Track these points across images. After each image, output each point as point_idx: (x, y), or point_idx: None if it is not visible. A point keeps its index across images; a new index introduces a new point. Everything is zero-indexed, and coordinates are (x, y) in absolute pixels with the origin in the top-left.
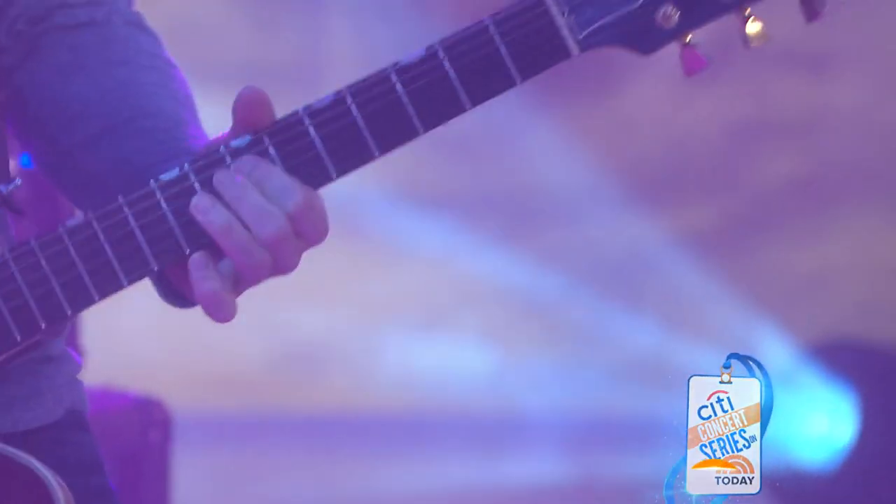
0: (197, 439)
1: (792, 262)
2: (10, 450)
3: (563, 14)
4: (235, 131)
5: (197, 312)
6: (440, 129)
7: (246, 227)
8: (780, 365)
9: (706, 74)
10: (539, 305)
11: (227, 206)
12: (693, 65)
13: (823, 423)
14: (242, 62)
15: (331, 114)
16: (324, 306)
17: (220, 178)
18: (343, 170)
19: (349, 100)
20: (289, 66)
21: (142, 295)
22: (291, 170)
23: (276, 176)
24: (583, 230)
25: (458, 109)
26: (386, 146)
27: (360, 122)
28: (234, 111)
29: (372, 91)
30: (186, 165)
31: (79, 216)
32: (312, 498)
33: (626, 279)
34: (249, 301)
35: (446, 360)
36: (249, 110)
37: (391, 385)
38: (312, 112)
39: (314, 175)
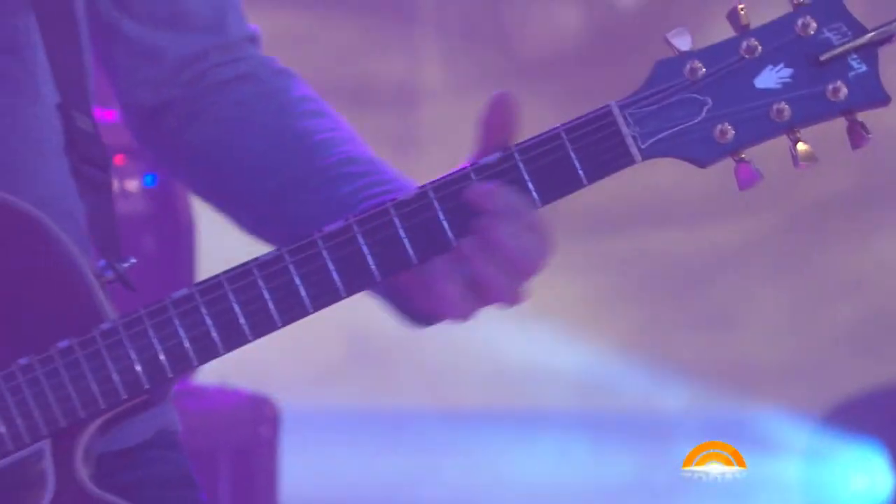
0: (303, 434)
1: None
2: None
3: (629, 125)
4: (485, 143)
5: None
6: None
7: (513, 263)
8: (804, 440)
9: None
10: (616, 305)
11: (493, 247)
12: (746, 180)
13: (863, 481)
14: (343, 82)
15: (414, 207)
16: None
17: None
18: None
19: (431, 195)
20: (387, 87)
21: None
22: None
23: (530, 211)
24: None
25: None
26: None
27: (439, 216)
28: (488, 117)
29: (452, 187)
30: (426, 185)
31: (211, 278)
32: (416, 488)
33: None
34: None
35: (534, 354)
36: (503, 116)
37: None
38: (436, 187)
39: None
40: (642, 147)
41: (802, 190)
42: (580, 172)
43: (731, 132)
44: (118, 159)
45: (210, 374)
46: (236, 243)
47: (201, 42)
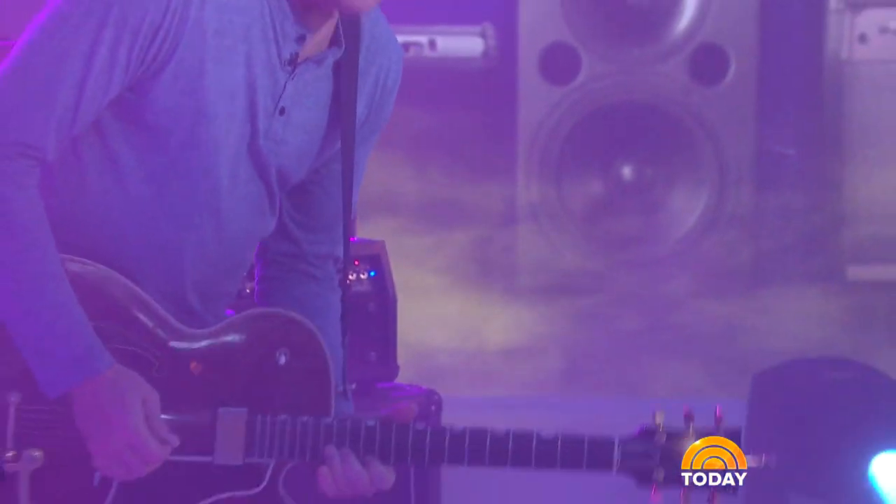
0: (458, 418)
1: None
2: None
3: (617, 451)
4: None
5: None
6: None
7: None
8: None
9: None
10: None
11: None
12: (655, 497)
13: None
14: (452, 203)
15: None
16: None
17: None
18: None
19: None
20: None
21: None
22: None
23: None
24: None
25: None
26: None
27: None
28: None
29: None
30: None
31: None
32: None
33: None
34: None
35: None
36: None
37: None
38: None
39: None
40: (617, 467)
41: None
42: (585, 466)
43: (661, 476)
44: (356, 262)
45: (404, 378)
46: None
47: (305, 244)
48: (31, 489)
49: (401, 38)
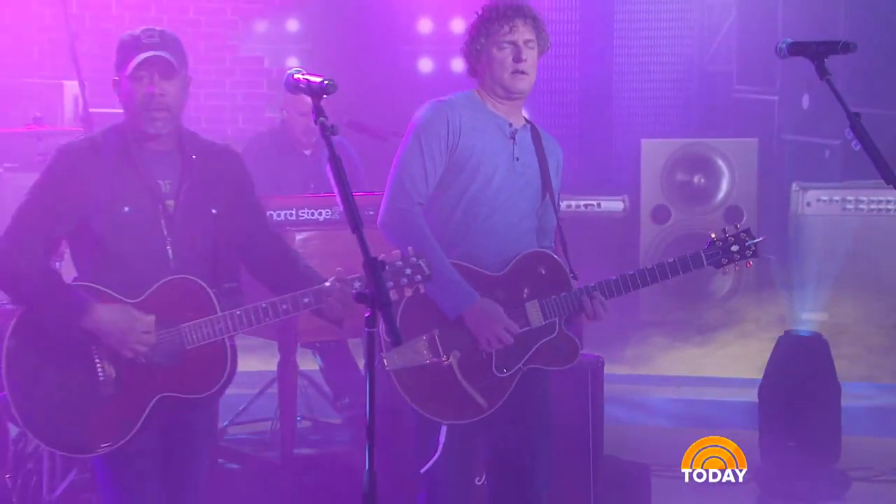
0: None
1: None
2: None
3: (704, 258)
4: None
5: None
6: None
7: None
8: None
9: None
10: None
11: None
12: (725, 272)
13: None
14: None
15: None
16: None
17: None
18: None
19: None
20: None
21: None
22: None
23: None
24: None
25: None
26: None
27: None
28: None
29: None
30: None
31: None
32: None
33: None
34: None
35: None
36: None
37: None
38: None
39: None
40: (709, 263)
41: None
42: (693, 267)
43: (727, 262)
44: None
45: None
46: None
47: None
48: (460, 370)
49: (583, 202)
